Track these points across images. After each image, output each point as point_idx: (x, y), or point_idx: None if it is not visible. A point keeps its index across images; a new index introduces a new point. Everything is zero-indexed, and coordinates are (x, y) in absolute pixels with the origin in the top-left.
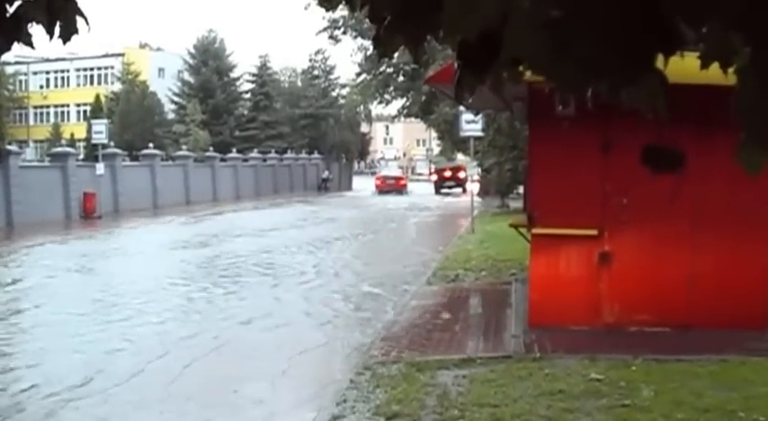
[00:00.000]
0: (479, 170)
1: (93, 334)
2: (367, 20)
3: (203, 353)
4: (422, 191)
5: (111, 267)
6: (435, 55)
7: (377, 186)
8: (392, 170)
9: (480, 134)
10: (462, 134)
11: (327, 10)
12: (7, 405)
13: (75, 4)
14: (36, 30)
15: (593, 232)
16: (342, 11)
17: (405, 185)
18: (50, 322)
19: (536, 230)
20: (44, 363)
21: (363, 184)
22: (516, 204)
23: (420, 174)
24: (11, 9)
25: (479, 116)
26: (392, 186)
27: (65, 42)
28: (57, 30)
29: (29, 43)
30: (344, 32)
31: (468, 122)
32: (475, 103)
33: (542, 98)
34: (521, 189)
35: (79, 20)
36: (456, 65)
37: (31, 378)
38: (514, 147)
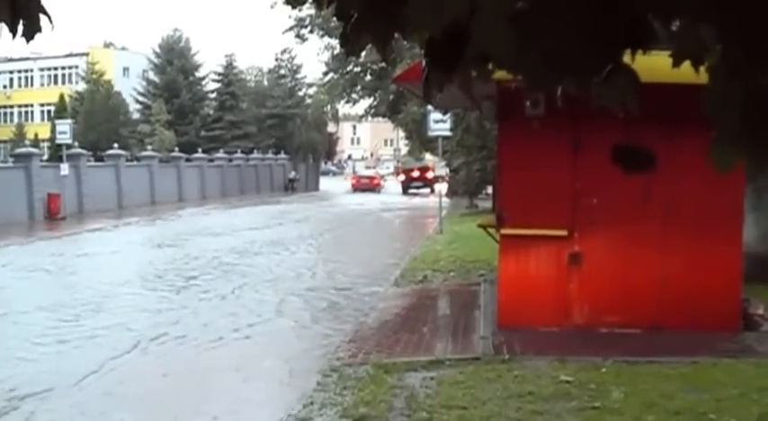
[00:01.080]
0: (448, 170)
1: (50, 335)
2: (334, 18)
3: (166, 352)
4: (390, 190)
5: (74, 269)
6: (403, 53)
7: (353, 185)
8: (367, 170)
9: (449, 133)
10: (430, 133)
11: (294, 8)
12: None
13: (39, 2)
14: None
15: (563, 233)
16: (309, 9)
17: (378, 184)
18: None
19: (505, 231)
20: None
21: (331, 185)
22: (485, 204)
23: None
24: None
25: (448, 115)
26: (367, 185)
27: (28, 41)
28: (20, 28)
29: None
30: (311, 31)
31: (437, 122)
32: (443, 102)
33: (511, 97)
34: (489, 189)
35: (43, 18)
36: (424, 63)
37: None
38: (483, 146)
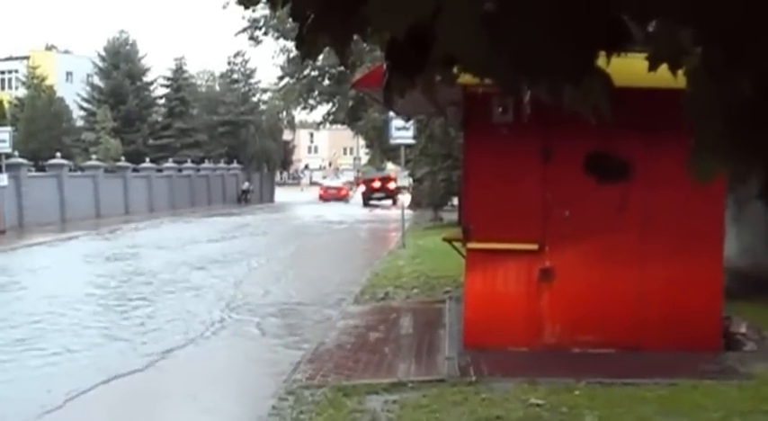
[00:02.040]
0: (411, 180)
1: None
2: (290, 19)
3: (114, 374)
4: (356, 201)
5: (11, 286)
6: (363, 57)
7: (320, 195)
8: (333, 181)
9: (412, 142)
10: (392, 142)
11: (247, 8)
12: None
13: None
14: None
15: (534, 246)
16: (263, 9)
17: (347, 195)
18: None
19: (472, 245)
20: None
21: (287, 196)
22: (451, 217)
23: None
24: None
25: (411, 122)
26: (334, 195)
27: None
28: None
29: None
30: (266, 33)
31: (399, 129)
32: (405, 108)
33: (478, 102)
34: (455, 201)
35: None
36: (384, 66)
37: None
38: (449, 155)
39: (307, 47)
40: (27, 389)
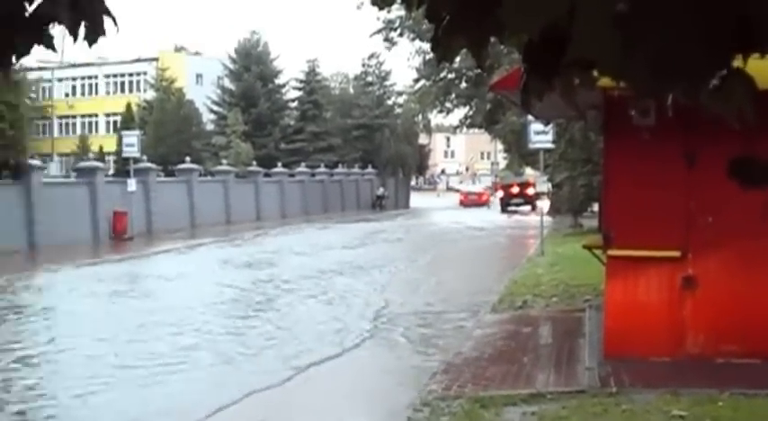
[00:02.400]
0: (550, 186)
1: (123, 371)
2: (425, 20)
3: (256, 387)
4: (485, 208)
5: (142, 295)
6: (501, 59)
7: (461, 201)
8: (474, 187)
9: (551, 146)
10: (531, 146)
11: (381, 9)
12: None
13: (103, 2)
14: (58, 31)
15: (676, 254)
16: (398, 10)
17: (487, 200)
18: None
19: (612, 252)
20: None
21: (422, 202)
22: (591, 223)
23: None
24: (30, 8)
25: (550, 126)
26: (475, 201)
27: (90, 45)
28: (81, 31)
29: (50, 46)
30: (401, 34)
31: (538, 133)
32: (544, 112)
33: (619, 106)
34: (595, 207)
35: (107, 20)
36: (522, 69)
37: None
38: (588, 160)
39: (442, 49)
40: (168, 404)
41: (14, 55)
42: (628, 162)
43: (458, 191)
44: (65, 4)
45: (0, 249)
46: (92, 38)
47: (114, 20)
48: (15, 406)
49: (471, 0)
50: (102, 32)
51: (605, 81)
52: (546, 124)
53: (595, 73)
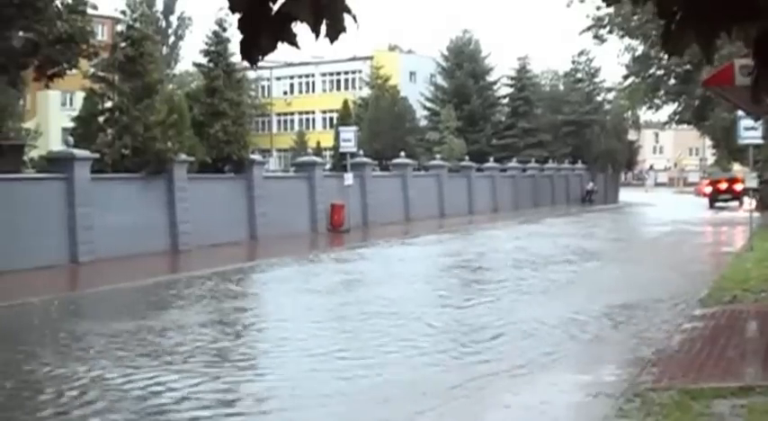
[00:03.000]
0: (756, 182)
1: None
2: (634, 18)
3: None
4: (693, 203)
5: (369, 289)
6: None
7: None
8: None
9: (760, 142)
10: (740, 142)
11: (609, 5)
12: None
13: (344, 1)
14: (301, 29)
15: None
16: (607, 8)
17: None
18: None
19: None
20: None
21: (631, 197)
22: None
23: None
24: (275, 7)
25: (759, 122)
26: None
27: (332, 41)
28: (323, 29)
29: (293, 43)
30: (610, 31)
31: (747, 129)
32: (756, 108)
33: None
34: None
35: (347, 17)
36: (751, 64)
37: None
38: None
39: (672, 43)
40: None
41: (260, 52)
42: None
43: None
44: (307, 4)
45: (225, 240)
46: (333, 35)
47: (354, 17)
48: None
49: None
50: (343, 29)
51: None
52: (756, 120)
53: None
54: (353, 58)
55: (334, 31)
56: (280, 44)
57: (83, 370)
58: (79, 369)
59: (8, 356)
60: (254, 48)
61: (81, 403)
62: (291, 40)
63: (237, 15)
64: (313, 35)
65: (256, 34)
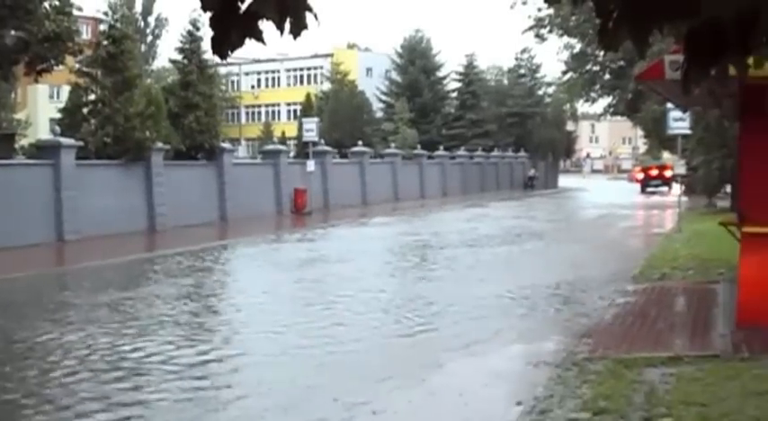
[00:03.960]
0: (684, 169)
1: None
2: (573, 18)
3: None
4: (626, 189)
5: (327, 265)
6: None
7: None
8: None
9: (688, 132)
10: (669, 132)
11: (550, 5)
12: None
13: (306, 0)
14: (266, 26)
15: None
16: (548, 9)
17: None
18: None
19: (747, 229)
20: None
21: (569, 182)
22: (723, 204)
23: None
24: (243, 6)
25: (687, 114)
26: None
27: (295, 38)
28: (287, 26)
29: (260, 39)
30: (550, 31)
31: (676, 120)
32: (683, 100)
33: (755, 94)
34: (728, 188)
35: (309, 16)
36: (681, 59)
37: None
38: (723, 145)
39: (609, 40)
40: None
41: (230, 48)
42: (761, 146)
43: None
44: (272, 2)
45: (198, 221)
46: (296, 31)
47: (315, 15)
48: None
49: None
50: (305, 26)
51: (753, 70)
52: (684, 111)
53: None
54: (315, 56)
55: (297, 29)
56: (247, 40)
57: (68, 336)
58: (65, 334)
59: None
60: (225, 44)
61: (66, 365)
62: (258, 36)
63: (209, 14)
64: (278, 32)
65: (226, 31)
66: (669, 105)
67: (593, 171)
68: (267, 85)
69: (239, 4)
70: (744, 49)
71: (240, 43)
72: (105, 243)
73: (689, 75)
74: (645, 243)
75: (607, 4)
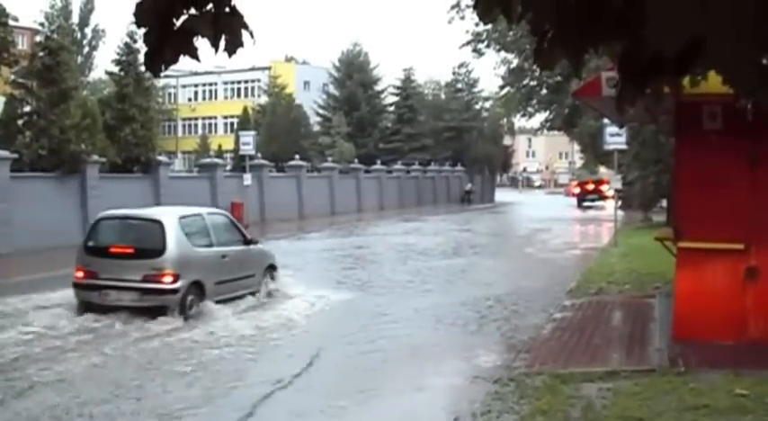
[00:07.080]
0: (620, 184)
1: None
2: (510, 33)
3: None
4: (563, 203)
5: None
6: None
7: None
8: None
9: (624, 147)
10: (606, 147)
11: (486, 23)
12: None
13: (241, 17)
14: (201, 43)
15: (740, 246)
16: (486, 25)
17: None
18: None
19: (682, 244)
20: None
21: (506, 197)
22: (659, 218)
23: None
24: (178, 23)
25: (624, 129)
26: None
27: (230, 55)
28: (222, 43)
29: (195, 56)
30: (487, 46)
31: (613, 135)
32: (620, 116)
33: (690, 111)
34: (664, 203)
35: (244, 34)
36: (615, 78)
37: None
38: (659, 160)
39: (544, 58)
40: None
41: (164, 64)
42: (697, 162)
43: (539, 187)
44: (208, 20)
45: None
46: (231, 49)
47: (251, 33)
48: None
49: (574, 15)
50: (241, 44)
51: (688, 89)
52: (620, 127)
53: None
54: (253, 69)
55: (233, 46)
56: (182, 57)
57: None
58: None
59: None
60: (158, 60)
61: None
62: (193, 53)
63: (143, 30)
64: (213, 49)
65: (160, 47)
66: (606, 120)
67: (529, 186)
68: (204, 98)
69: (174, 20)
70: (679, 70)
71: (174, 60)
72: (38, 257)
73: (623, 94)
74: (581, 257)
75: (542, 24)
